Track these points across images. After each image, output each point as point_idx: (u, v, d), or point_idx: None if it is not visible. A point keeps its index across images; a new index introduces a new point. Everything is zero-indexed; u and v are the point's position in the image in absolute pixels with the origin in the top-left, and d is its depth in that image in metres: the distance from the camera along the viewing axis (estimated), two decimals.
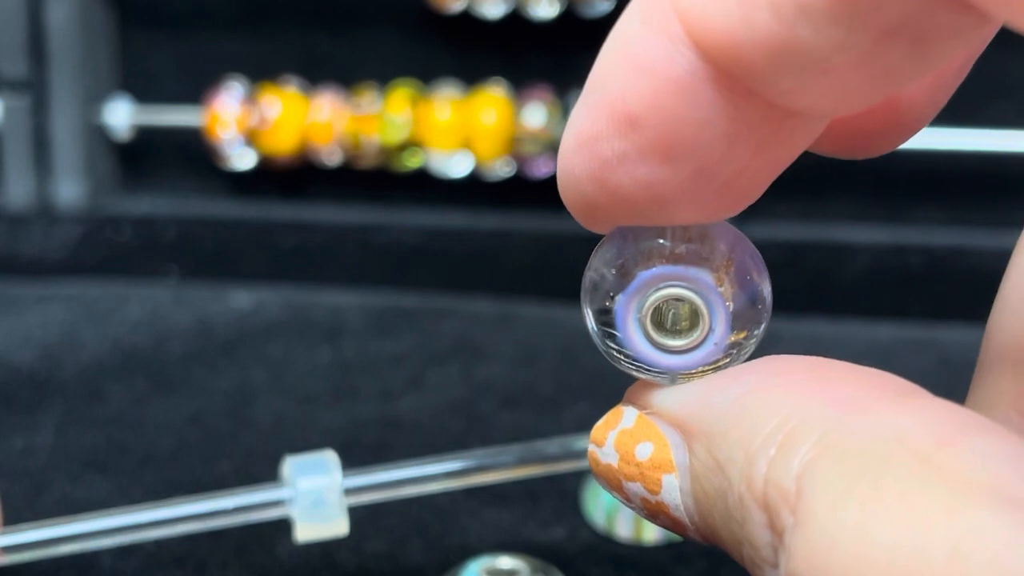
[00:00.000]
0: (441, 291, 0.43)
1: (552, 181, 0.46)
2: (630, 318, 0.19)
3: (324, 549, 0.29)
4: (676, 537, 0.29)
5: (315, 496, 0.25)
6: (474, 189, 0.47)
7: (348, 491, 0.25)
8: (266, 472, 0.32)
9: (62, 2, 0.47)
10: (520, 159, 0.46)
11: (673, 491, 0.18)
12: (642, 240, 0.18)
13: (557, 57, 0.47)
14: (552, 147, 0.45)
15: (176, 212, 0.48)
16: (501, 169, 0.46)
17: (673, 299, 0.18)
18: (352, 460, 0.32)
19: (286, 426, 0.34)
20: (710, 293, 0.18)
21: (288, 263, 0.45)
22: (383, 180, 0.47)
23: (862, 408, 0.16)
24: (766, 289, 0.19)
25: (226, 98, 0.47)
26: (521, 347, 0.39)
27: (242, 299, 0.42)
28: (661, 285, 0.18)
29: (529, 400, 0.36)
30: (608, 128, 0.17)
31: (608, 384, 0.36)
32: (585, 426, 0.34)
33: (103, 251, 0.45)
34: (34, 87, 0.47)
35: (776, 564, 0.16)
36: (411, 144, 0.46)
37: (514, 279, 0.43)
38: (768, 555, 0.16)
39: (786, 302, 0.42)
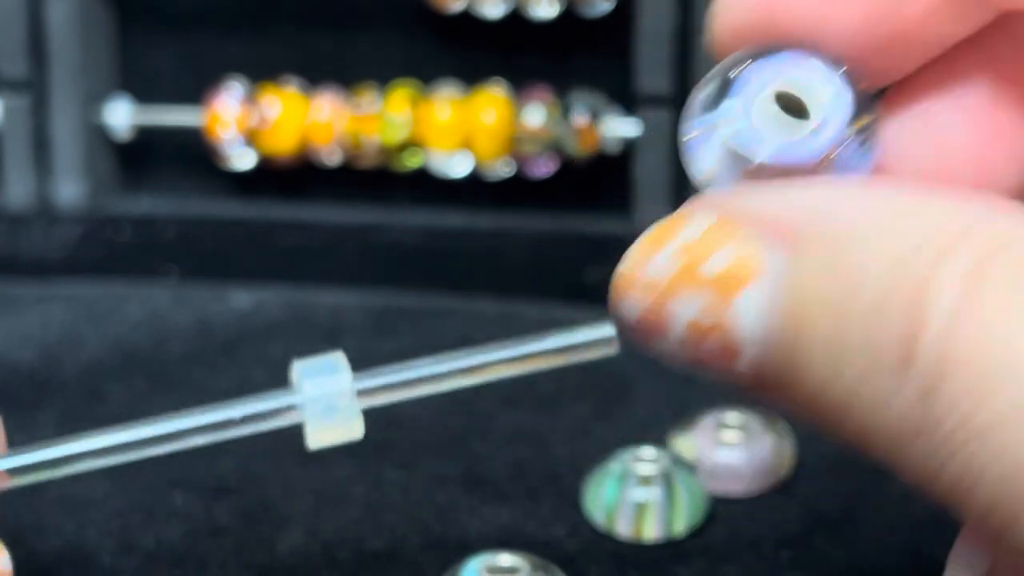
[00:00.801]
0: (441, 291, 0.43)
1: (552, 180, 0.47)
2: (754, 85, 0.18)
3: (324, 547, 0.29)
4: (676, 535, 0.29)
5: (327, 398, 0.24)
6: (474, 189, 0.47)
7: (361, 392, 0.24)
8: (266, 470, 0.32)
9: (62, 2, 0.47)
10: (520, 159, 0.46)
11: (754, 303, 0.16)
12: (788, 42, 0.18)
13: (557, 57, 0.47)
14: (552, 147, 0.45)
15: (176, 212, 0.48)
16: (501, 169, 0.46)
17: (799, 86, 0.18)
18: (351, 459, 0.32)
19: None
20: (841, 90, 0.18)
21: (288, 263, 0.45)
22: (383, 180, 0.47)
23: (1013, 214, 0.15)
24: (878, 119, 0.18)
25: (226, 98, 0.47)
26: None
27: (242, 299, 0.42)
28: (798, 64, 0.18)
29: (529, 399, 0.36)
30: None
31: (608, 383, 0.36)
32: (585, 425, 0.34)
33: (103, 251, 0.45)
34: (34, 87, 0.47)
35: (907, 364, 0.15)
36: (411, 144, 0.46)
37: (514, 279, 0.43)
38: (894, 360, 0.15)
39: None
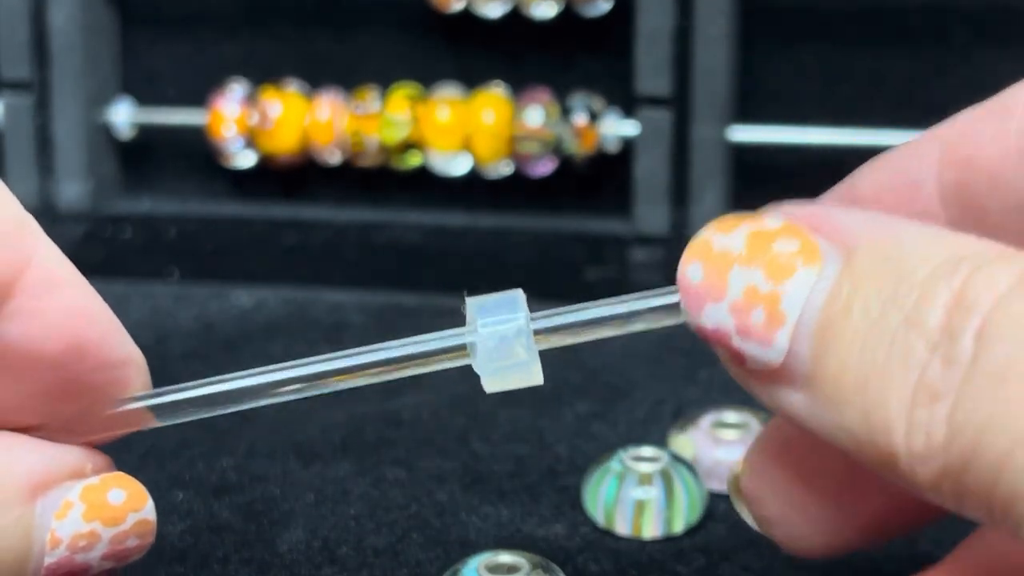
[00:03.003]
0: (441, 291, 0.43)
1: (551, 180, 0.47)
2: None
3: (324, 544, 0.29)
4: (675, 533, 0.29)
5: (499, 338, 0.21)
6: (474, 189, 0.47)
7: (538, 333, 0.22)
8: (267, 468, 0.32)
9: (64, 3, 0.47)
10: (520, 159, 0.46)
11: (802, 285, 0.18)
12: None
13: (557, 57, 0.47)
14: (552, 147, 0.46)
15: (177, 212, 0.48)
16: (501, 169, 0.46)
17: None
18: (352, 457, 0.33)
19: (287, 423, 0.34)
20: None
21: (289, 262, 0.45)
22: (383, 180, 0.48)
23: None
24: None
25: (228, 99, 0.47)
26: None
27: (242, 297, 0.42)
28: None
29: (529, 398, 0.36)
30: None
31: (608, 382, 0.36)
32: (585, 424, 0.34)
33: (105, 250, 0.46)
34: (37, 88, 0.47)
35: (954, 338, 0.17)
36: (411, 144, 0.46)
37: (514, 279, 0.43)
38: (936, 334, 0.17)
39: None
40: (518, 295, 0.22)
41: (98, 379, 0.22)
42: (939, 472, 0.17)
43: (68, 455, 0.21)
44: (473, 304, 0.22)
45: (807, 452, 0.22)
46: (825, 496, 0.21)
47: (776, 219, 0.19)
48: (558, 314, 0.22)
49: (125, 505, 0.21)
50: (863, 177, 0.22)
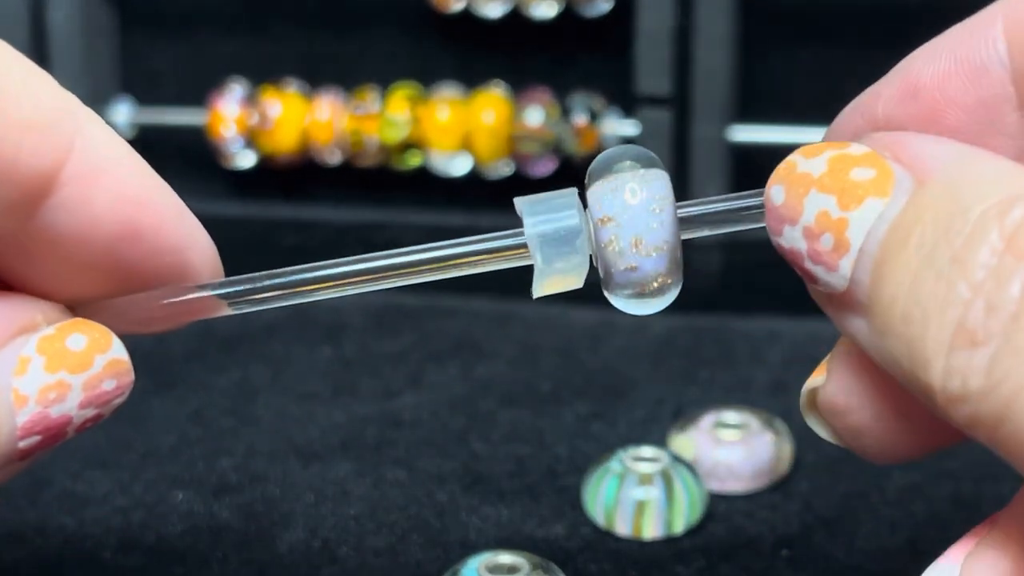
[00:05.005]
0: (441, 290, 0.43)
1: (552, 180, 0.47)
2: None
3: (324, 544, 0.29)
4: (675, 533, 0.29)
5: (557, 236, 0.21)
6: (474, 189, 0.47)
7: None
8: (267, 468, 0.32)
9: (64, 3, 0.47)
10: (520, 159, 0.46)
11: (870, 214, 0.19)
12: None
13: (557, 57, 0.47)
14: (552, 147, 0.46)
15: None
16: (501, 169, 0.46)
17: None
18: (352, 457, 0.33)
19: (286, 423, 0.34)
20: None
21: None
22: (383, 180, 0.48)
23: None
24: None
25: (228, 99, 0.47)
26: (520, 346, 0.39)
27: None
28: None
29: (529, 398, 0.36)
30: None
31: (608, 383, 0.36)
32: (585, 424, 0.34)
33: None
34: None
35: (1000, 283, 0.17)
36: (411, 144, 0.46)
37: (514, 279, 0.43)
38: (981, 276, 0.17)
39: (786, 302, 0.42)
40: (572, 194, 0.21)
41: (157, 264, 0.21)
42: (973, 417, 0.17)
43: (13, 311, 0.20)
44: (524, 203, 0.21)
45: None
46: (903, 410, 0.21)
47: (861, 146, 0.20)
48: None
49: (88, 349, 0.20)
50: (922, 64, 0.22)
